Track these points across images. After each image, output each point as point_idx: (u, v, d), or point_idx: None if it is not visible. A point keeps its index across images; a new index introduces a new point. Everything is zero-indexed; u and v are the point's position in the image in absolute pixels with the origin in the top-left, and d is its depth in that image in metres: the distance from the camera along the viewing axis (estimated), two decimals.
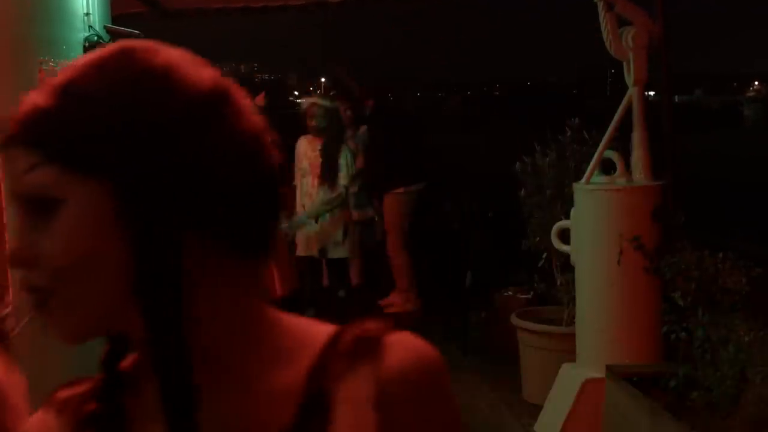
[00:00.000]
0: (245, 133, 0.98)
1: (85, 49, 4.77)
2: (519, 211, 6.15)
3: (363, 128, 8.15)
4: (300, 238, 6.96)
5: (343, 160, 6.87)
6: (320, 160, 6.84)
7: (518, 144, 6.68)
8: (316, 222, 6.84)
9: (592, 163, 5.12)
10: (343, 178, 6.84)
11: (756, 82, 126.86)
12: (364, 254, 7.45)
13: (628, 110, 5.07)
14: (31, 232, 0.97)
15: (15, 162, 0.95)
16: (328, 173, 6.81)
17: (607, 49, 5.07)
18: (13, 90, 3.40)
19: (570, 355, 5.24)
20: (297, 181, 7.01)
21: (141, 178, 0.92)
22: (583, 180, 5.10)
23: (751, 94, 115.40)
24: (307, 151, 6.95)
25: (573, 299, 5.46)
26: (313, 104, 6.94)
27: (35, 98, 0.96)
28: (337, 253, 6.95)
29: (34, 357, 3.44)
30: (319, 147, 6.89)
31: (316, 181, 6.83)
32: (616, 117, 5.10)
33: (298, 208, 6.94)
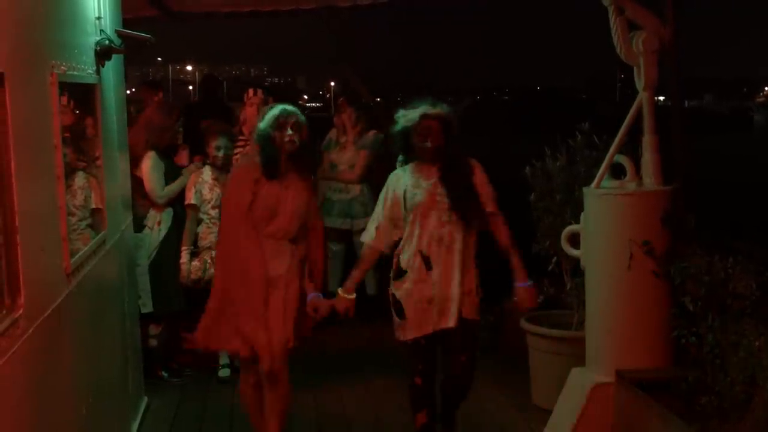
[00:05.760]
0: None
1: (97, 53, 4.80)
2: (529, 215, 6.15)
3: (371, 132, 8.14)
4: None
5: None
6: (444, 191, 4.93)
7: (528, 148, 6.69)
8: None
9: (602, 168, 5.12)
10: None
11: (766, 88, 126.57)
12: None
13: (639, 115, 5.07)
14: None
15: None
16: (463, 207, 4.94)
17: (617, 53, 5.07)
18: (27, 93, 3.43)
19: (579, 359, 5.24)
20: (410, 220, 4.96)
21: None
22: (593, 184, 5.10)
23: (761, 99, 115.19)
24: (419, 180, 4.98)
25: (583, 303, 5.46)
26: (426, 115, 4.96)
27: None
28: None
29: (44, 358, 3.46)
30: (436, 174, 4.97)
31: (441, 217, 4.91)
32: (627, 121, 5.10)
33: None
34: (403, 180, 5.00)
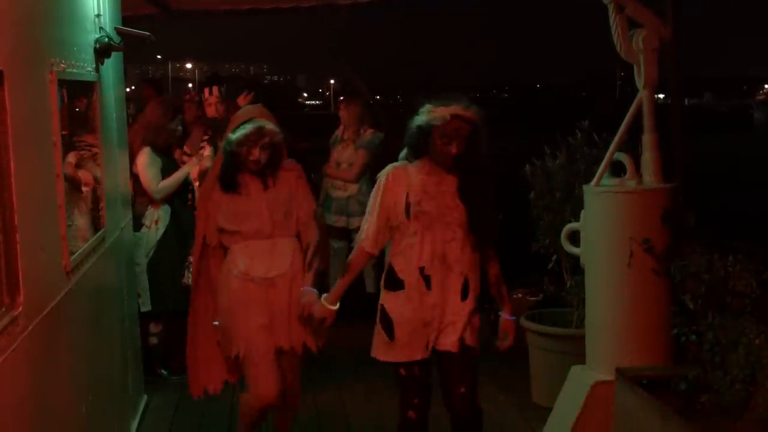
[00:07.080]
0: None
1: (96, 51, 4.79)
2: (528, 214, 6.15)
3: (369, 132, 8.12)
4: None
5: None
6: (460, 204, 4.34)
7: (528, 146, 6.69)
8: None
9: (602, 166, 5.11)
10: None
11: (766, 86, 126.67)
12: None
13: (638, 113, 5.06)
14: None
15: None
16: (481, 228, 4.40)
17: (617, 51, 5.07)
18: (26, 91, 3.43)
19: (579, 357, 5.24)
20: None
21: None
22: (593, 182, 5.09)
23: (761, 97, 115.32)
24: (428, 184, 4.33)
25: (583, 301, 5.45)
26: (457, 116, 4.24)
27: None
28: None
29: (43, 356, 3.46)
30: (452, 184, 4.35)
31: (446, 232, 4.32)
32: (626, 119, 5.09)
33: None
34: (407, 179, 4.30)
